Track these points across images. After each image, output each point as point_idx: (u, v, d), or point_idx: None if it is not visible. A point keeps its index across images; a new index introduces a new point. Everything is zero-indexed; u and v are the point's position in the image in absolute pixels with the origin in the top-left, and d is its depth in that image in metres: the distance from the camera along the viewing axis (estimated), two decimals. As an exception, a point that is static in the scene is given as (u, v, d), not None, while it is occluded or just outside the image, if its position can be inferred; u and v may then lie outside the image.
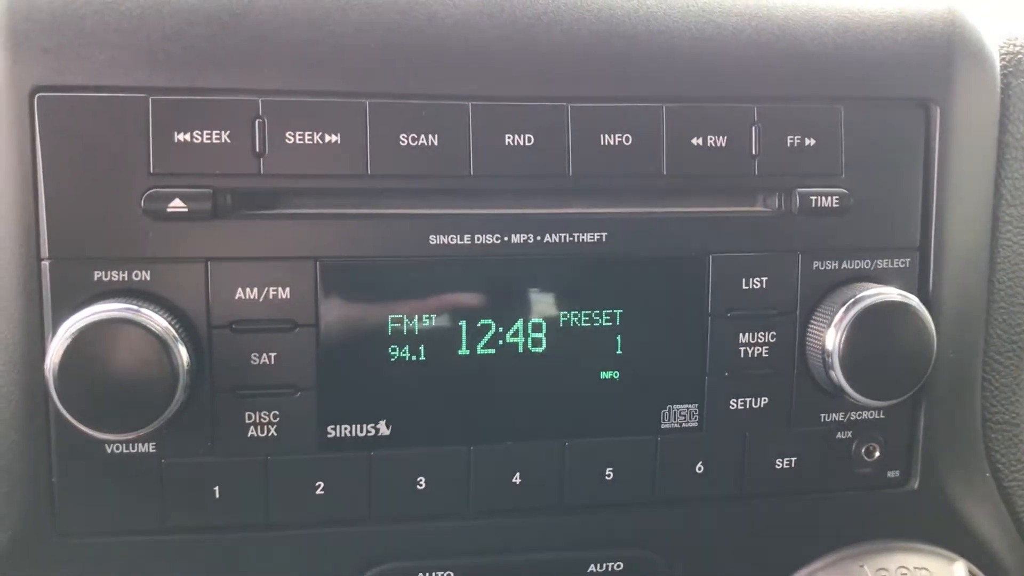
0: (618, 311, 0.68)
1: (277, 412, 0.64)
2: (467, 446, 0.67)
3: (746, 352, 0.69)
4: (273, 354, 0.63)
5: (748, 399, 0.70)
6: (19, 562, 0.64)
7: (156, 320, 0.59)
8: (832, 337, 0.68)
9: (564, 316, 0.67)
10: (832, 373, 0.68)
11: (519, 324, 0.67)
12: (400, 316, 0.65)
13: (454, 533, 0.69)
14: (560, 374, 0.68)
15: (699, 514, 0.71)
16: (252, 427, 0.64)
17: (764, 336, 0.69)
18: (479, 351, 0.67)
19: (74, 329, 0.58)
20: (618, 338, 0.68)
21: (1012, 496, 0.79)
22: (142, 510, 0.64)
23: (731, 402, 0.69)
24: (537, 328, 0.67)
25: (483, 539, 0.69)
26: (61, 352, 0.57)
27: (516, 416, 0.68)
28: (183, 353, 0.60)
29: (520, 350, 0.67)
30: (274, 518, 0.65)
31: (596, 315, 0.68)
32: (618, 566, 0.71)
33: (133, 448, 0.63)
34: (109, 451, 0.63)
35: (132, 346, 0.58)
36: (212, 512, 0.65)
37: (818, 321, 0.69)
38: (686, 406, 0.69)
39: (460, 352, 0.66)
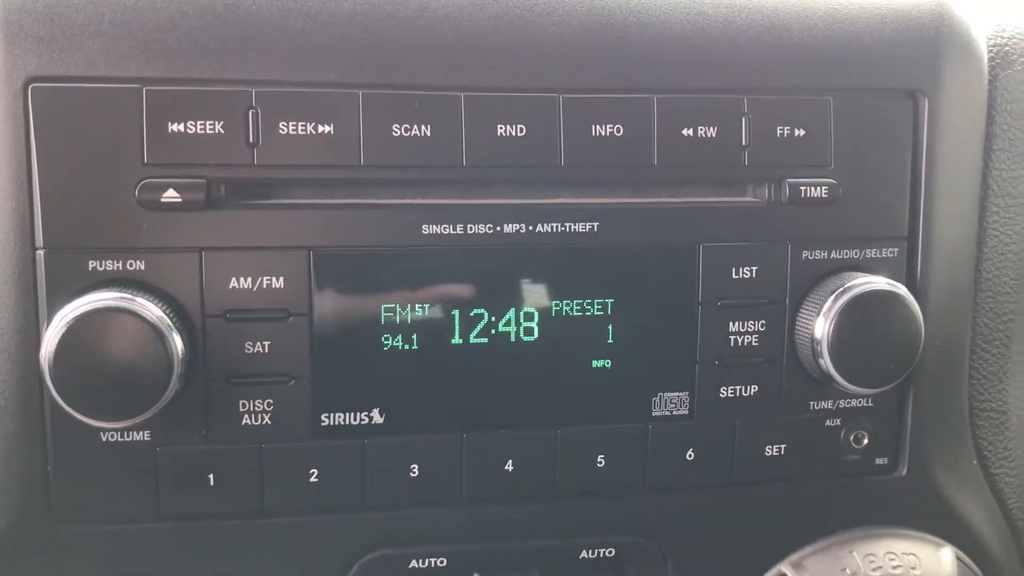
0: (609, 301, 0.68)
1: (271, 400, 0.64)
2: (460, 434, 0.67)
3: (736, 341, 0.70)
4: (267, 343, 0.64)
5: (738, 387, 0.70)
6: (14, 551, 0.64)
7: (151, 309, 0.59)
8: (821, 326, 0.68)
9: (556, 305, 0.68)
10: (821, 361, 0.68)
11: (511, 313, 0.68)
12: (393, 306, 0.66)
13: (447, 520, 0.69)
14: (552, 363, 0.68)
15: (690, 501, 0.72)
16: (246, 415, 0.64)
17: (754, 325, 0.70)
18: (472, 340, 0.67)
19: (69, 318, 0.58)
20: (609, 327, 0.69)
21: (998, 483, 0.80)
22: (137, 498, 0.64)
23: (721, 390, 0.70)
24: (529, 317, 0.68)
25: (476, 526, 0.70)
26: (56, 340, 0.58)
27: (508, 404, 0.68)
28: (177, 342, 0.60)
29: (512, 339, 0.68)
30: (268, 506, 0.66)
31: (588, 304, 0.68)
32: (609, 552, 0.72)
33: (128, 436, 0.63)
34: (104, 439, 0.63)
35: (127, 335, 0.59)
36: (206, 500, 0.65)
37: (807, 310, 0.70)
38: (677, 394, 0.70)
39: (453, 341, 0.67)
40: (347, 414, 0.66)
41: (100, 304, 0.59)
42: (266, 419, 0.65)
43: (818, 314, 0.68)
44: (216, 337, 0.63)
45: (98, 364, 0.58)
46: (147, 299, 0.60)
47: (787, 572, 0.73)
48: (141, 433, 0.63)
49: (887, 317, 0.68)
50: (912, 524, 0.76)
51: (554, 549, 0.72)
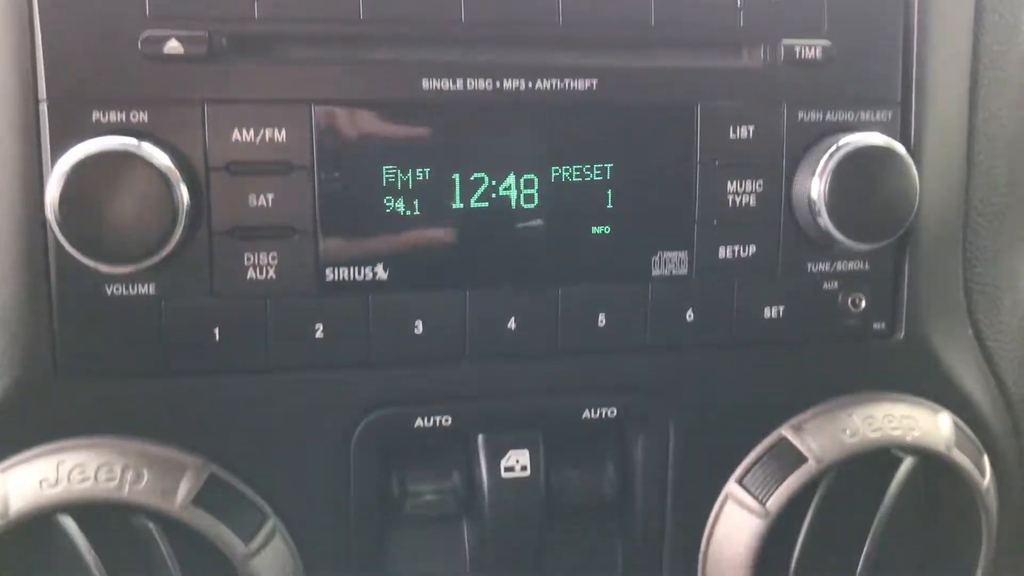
0: (608, 165, 0.69)
1: (275, 254, 0.65)
2: (463, 291, 0.68)
3: (734, 201, 0.70)
4: (270, 196, 0.64)
5: (736, 247, 0.71)
6: (21, 406, 0.64)
7: (157, 156, 0.60)
8: (817, 185, 0.69)
9: (556, 171, 0.68)
10: (820, 220, 0.69)
11: (511, 178, 0.68)
12: (394, 169, 0.66)
13: (451, 378, 0.70)
14: (552, 228, 0.69)
15: (691, 362, 0.73)
16: (251, 269, 0.65)
17: (751, 185, 0.70)
18: (472, 205, 0.68)
19: (76, 159, 0.58)
20: (609, 192, 0.69)
21: (993, 356, 0.81)
22: (143, 353, 0.65)
23: (720, 250, 0.71)
24: (529, 184, 0.68)
25: (480, 384, 0.70)
26: (63, 181, 0.58)
27: (510, 265, 0.69)
28: (183, 191, 0.61)
29: (512, 205, 0.68)
30: (274, 361, 0.66)
31: (587, 170, 0.69)
32: (611, 412, 0.73)
33: (133, 290, 0.64)
34: (109, 293, 0.63)
35: (134, 179, 0.59)
36: (212, 355, 0.65)
37: (803, 170, 0.70)
38: (676, 253, 0.70)
39: (454, 206, 0.67)
40: (351, 269, 0.66)
41: (108, 147, 0.59)
42: (271, 273, 0.65)
43: (814, 174, 0.69)
44: (219, 189, 0.64)
45: (104, 203, 0.59)
46: (153, 147, 0.60)
47: (787, 435, 0.74)
48: (146, 286, 0.64)
49: (882, 171, 0.69)
50: (909, 390, 0.76)
51: (557, 408, 0.72)
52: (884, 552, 0.71)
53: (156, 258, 0.60)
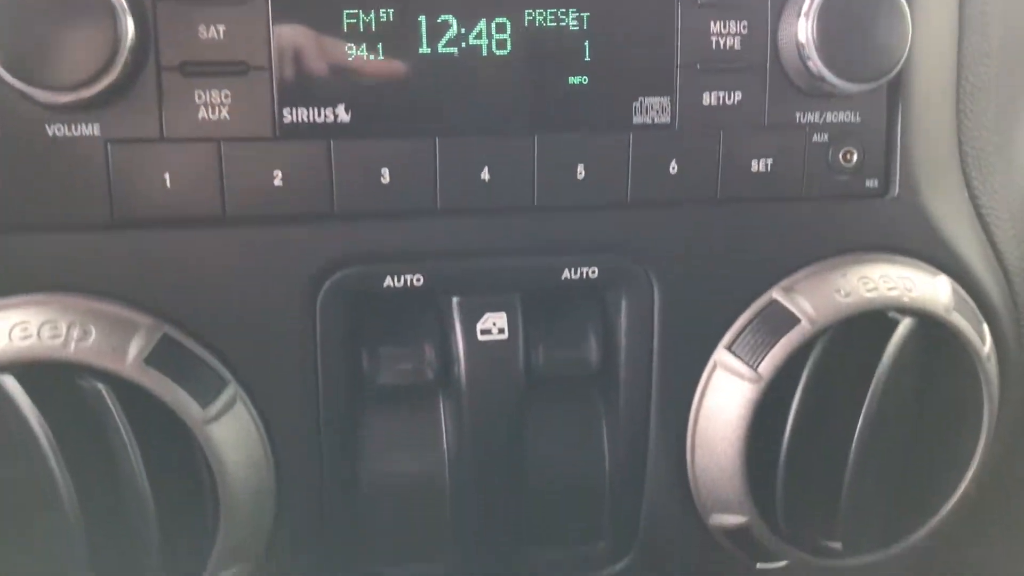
0: (585, 15, 0.65)
1: (228, 92, 0.60)
2: (432, 138, 0.64)
3: (718, 43, 0.67)
4: (221, 27, 0.60)
5: (721, 93, 0.67)
6: (-43, 263, 0.60)
7: None
8: (804, 26, 0.65)
9: (529, 15, 0.64)
10: (809, 63, 0.65)
11: (482, 24, 0.64)
12: (355, 11, 0.62)
13: (422, 234, 0.65)
14: (527, 75, 0.65)
15: (676, 219, 0.69)
16: (202, 108, 0.60)
17: (736, 26, 0.67)
18: (440, 50, 0.64)
19: None
20: (586, 44, 0.65)
21: (988, 223, 0.77)
22: (88, 202, 0.60)
23: (704, 96, 0.67)
24: (501, 29, 0.64)
25: (453, 241, 0.66)
26: None
27: (482, 111, 0.65)
28: (129, 19, 0.56)
29: (484, 53, 0.64)
30: (230, 211, 0.62)
31: (562, 14, 0.65)
32: (592, 272, 0.68)
33: (76, 130, 0.59)
34: (51, 134, 0.59)
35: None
36: (163, 204, 0.61)
37: (789, 13, 0.67)
38: (658, 99, 0.66)
39: (421, 50, 0.63)
40: (311, 110, 0.62)
41: None
42: (224, 113, 0.61)
43: (799, 14, 0.66)
44: (167, 19, 0.59)
45: (41, 22, 0.54)
46: None
47: (778, 297, 0.70)
48: (90, 127, 0.59)
49: (870, 4, 0.65)
50: (904, 252, 0.73)
51: (535, 268, 0.68)
52: (882, 419, 0.68)
53: (99, 86, 0.56)
